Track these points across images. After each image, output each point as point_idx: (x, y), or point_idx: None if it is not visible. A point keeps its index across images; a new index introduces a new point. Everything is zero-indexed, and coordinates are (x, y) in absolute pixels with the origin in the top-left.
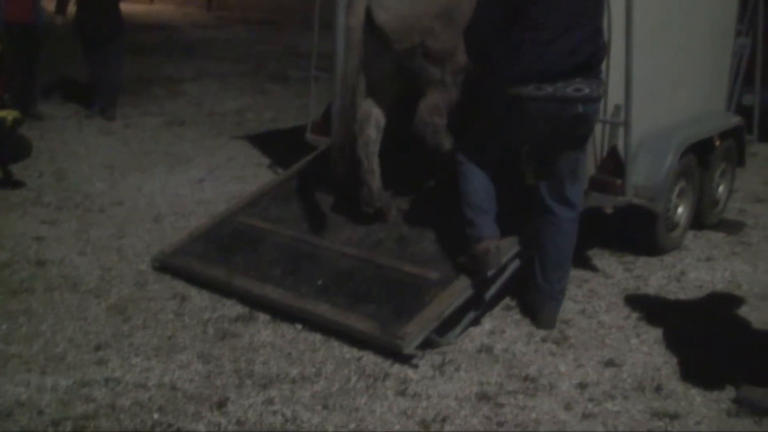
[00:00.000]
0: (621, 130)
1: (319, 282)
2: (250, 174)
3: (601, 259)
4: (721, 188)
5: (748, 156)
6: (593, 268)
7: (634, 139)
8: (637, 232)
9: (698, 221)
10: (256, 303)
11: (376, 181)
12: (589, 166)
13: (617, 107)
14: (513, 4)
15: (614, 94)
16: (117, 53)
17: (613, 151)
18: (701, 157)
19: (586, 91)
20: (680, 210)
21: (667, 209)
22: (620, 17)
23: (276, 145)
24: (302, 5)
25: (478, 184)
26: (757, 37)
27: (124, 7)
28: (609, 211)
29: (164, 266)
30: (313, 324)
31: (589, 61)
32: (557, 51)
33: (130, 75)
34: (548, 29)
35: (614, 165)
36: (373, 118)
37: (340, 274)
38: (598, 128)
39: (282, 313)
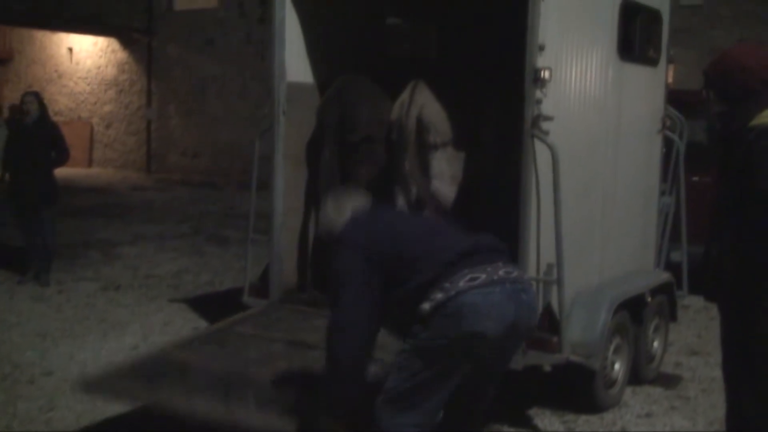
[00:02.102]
0: (554, 288)
1: (252, 401)
2: None
3: (543, 418)
4: (656, 343)
5: (681, 309)
6: (535, 428)
7: (567, 297)
8: (576, 390)
9: (636, 376)
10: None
11: None
12: None
13: (549, 265)
14: (379, 259)
15: (546, 252)
16: (51, 218)
17: (547, 309)
18: (634, 313)
19: (515, 274)
20: (617, 366)
21: (604, 366)
22: (547, 177)
23: (213, 308)
24: (240, 166)
25: None
26: (681, 196)
27: (62, 170)
28: (547, 369)
29: (85, 389)
30: None
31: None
32: (452, 240)
33: (66, 239)
34: (421, 247)
35: (549, 323)
36: None
37: (274, 392)
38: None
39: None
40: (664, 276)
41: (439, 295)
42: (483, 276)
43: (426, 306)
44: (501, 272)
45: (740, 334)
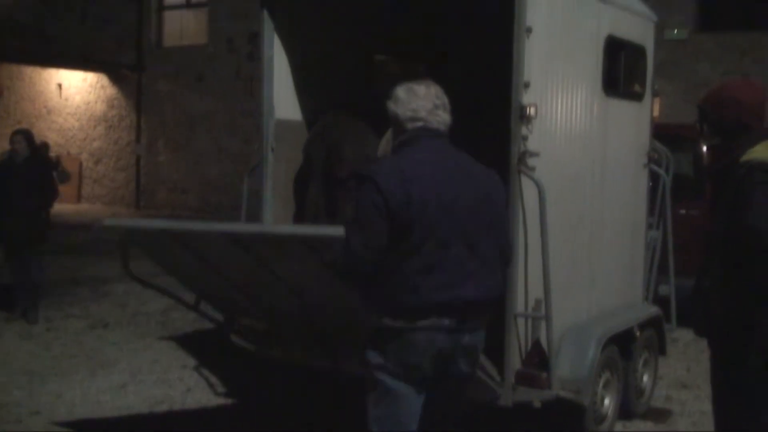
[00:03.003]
0: (543, 324)
1: None
2: (175, 377)
3: None
4: (645, 377)
5: (670, 342)
6: None
7: (556, 333)
8: (566, 426)
9: (626, 411)
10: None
11: None
12: (515, 360)
13: (537, 301)
14: (393, 224)
15: (534, 288)
16: (39, 255)
17: (536, 345)
18: (623, 347)
19: (466, 324)
20: (607, 401)
21: (594, 401)
22: (534, 213)
23: (202, 345)
24: (229, 202)
25: None
26: (668, 229)
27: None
28: (537, 405)
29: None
30: None
31: (488, 295)
32: (436, 283)
33: (55, 276)
34: (426, 257)
35: (538, 358)
36: None
37: None
38: (521, 322)
39: None
40: (653, 310)
41: (386, 320)
42: (431, 319)
43: (378, 322)
44: (446, 321)
45: (730, 369)
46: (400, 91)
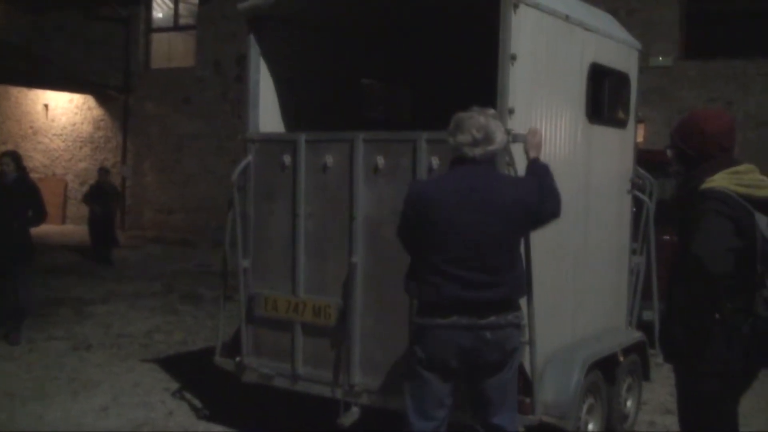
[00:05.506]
0: (526, 349)
1: None
2: (157, 400)
3: None
4: (629, 402)
5: (654, 368)
6: None
7: (539, 357)
8: None
9: None
10: None
11: None
12: None
13: (521, 326)
14: (417, 229)
15: None
16: (24, 276)
17: (520, 370)
18: (607, 372)
19: (492, 318)
20: (591, 426)
21: (578, 426)
22: None
23: (185, 368)
24: (216, 222)
25: None
26: (651, 255)
27: (35, 228)
28: (520, 430)
29: None
30: None
31: (497, 297)
32: (457, 282)
33: (38, 297)
34: (448, 256)
35: (522, 383)
36: None
37: None
38: None
39: None
40: (636, 335)
41: (416, 319)
42: (454, 317)
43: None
44: (464, 320)
45: (690, 392)
46: (452, 122)
